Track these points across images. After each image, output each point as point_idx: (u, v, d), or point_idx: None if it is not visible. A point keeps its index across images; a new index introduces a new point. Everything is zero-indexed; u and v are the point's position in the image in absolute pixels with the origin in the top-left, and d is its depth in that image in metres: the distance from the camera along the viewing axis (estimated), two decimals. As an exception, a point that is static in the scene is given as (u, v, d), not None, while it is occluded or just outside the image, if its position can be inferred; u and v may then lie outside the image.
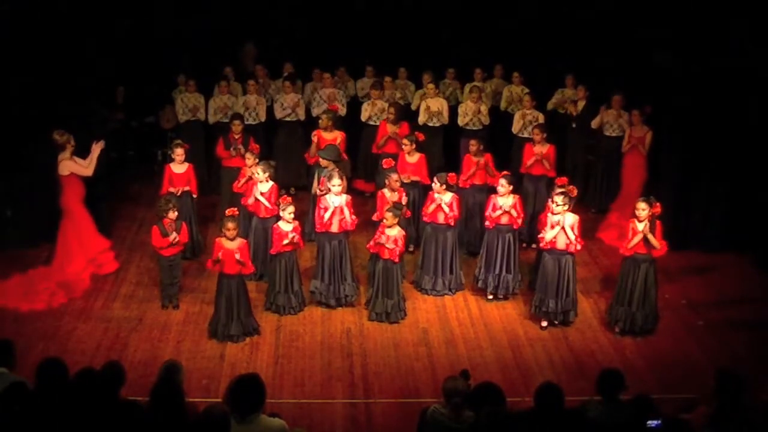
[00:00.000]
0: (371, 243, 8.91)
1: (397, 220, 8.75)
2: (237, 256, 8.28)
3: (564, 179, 9.17)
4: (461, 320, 9.10)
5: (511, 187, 9.16)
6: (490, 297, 9.41)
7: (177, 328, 8.73)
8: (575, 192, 8.92)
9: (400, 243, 8.79)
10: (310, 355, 8.36)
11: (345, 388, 7.84)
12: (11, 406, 4.96)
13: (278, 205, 8.95)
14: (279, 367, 8.13)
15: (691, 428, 5.28)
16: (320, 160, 9.79)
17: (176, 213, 8.87)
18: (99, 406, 5.12)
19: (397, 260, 8.82)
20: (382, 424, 7.33)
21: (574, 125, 11.94)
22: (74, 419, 5.04)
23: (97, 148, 9.37)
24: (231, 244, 8.34)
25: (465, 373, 5.91)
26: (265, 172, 9.30)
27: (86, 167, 9.35)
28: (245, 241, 8.61)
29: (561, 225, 8.58)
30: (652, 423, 5.41)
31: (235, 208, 8.69)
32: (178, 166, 9.88)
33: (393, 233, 8.77)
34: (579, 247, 8.69)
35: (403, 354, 8.42)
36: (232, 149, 10.47)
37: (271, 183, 9.40)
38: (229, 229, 8.30)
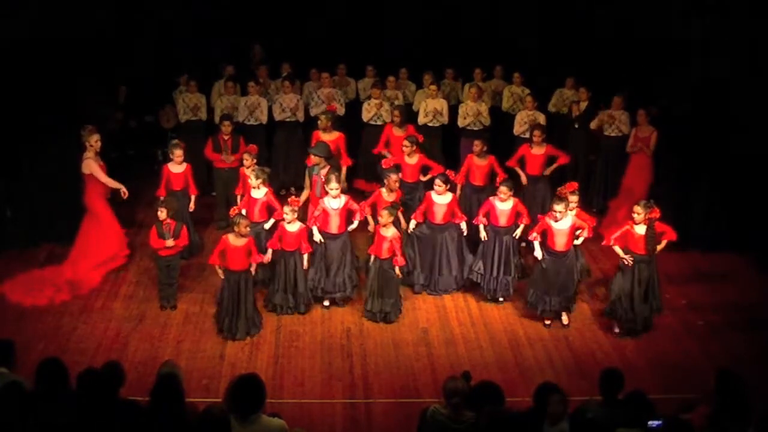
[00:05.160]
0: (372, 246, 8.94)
1: (392, 219, 8.76)
2: (247, 250, 8.40)
3: (575, 185, 9.17)
4: (461, 320, 9.10)
5: (511, 192, 9.17)
6: (489, 297, 9.41)
7: (177, 328, 8.73)
8: (571, 187, 8.90)
9: (396, 244, 8.79)
10: (310, 355, 8.36)
11: (345, 388, 7.84)
12: (8, 406, 4.96)
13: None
14: (279, 367, 8.13)
15: (691, 428, 5.28)
16: (311, 156, 9.75)
17: (164, 213, 8.82)
18: (99, 406, 5.11)
19: (391, 258, 8.80)
20: (382, 424, 7.34)
21: (576, 125, 11.94)
22: (74, 419, 5.04)
23: (121, 189, 9.48)
24: (239, 242, 8.35)
25: (466, 375, 5.91)
26: (258, 178, 9.27)
27: (104, 177, 9.40)
28: (251, 238, 8.62)
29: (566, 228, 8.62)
30: (652, 423, 5.41)
31: (236, 207, 8.73)
32: (176, 166, 9.88)
33: (389, 233, 8.76)
34: (587, 233, 8.85)
35: (403, 354, 8.42)
36: (226, 153, 10.48)
37: (265, 189, 9.37)
38: (244, 226, 8.32)
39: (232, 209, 8.73)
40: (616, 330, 8.80)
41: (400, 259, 8.83)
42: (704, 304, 9.49)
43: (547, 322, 8.93)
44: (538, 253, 8.78)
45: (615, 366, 6.77)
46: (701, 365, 8.11)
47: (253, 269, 8.57)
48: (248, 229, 8.39)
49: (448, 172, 9.48)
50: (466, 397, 5.44)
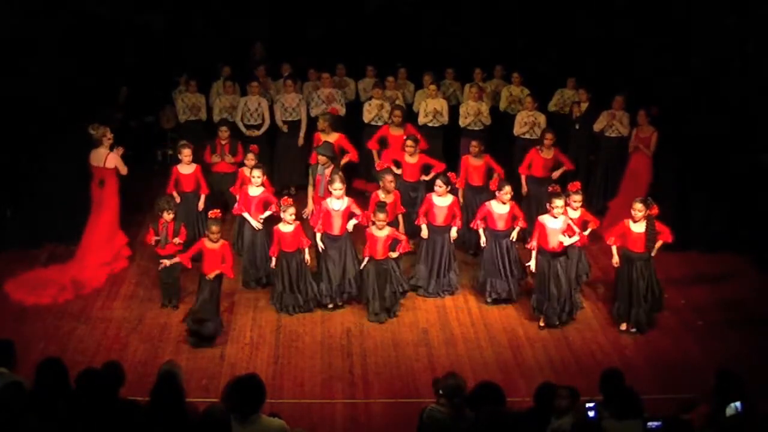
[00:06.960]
0: (365, 249, 8.89)
1: (387, 220, 8.73)
2: (221, 256, 8.35)
3: (578, 184, 9.20)
4: (461, 320, 9.10)
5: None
6: (490, 300, 9.36)
7: (177, 328, 8.72)
8: (575, 187, 8.94)
9: (395, 234, 8.77)
10: (310, 355, 8.36)
11: (345, 388, 7.85)
12: (8, 406, 4.96)
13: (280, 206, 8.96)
14: (279, 367, 8.13)
15: (691, 428, 5.29)
16: (317, 156, 9.76)
17: (172, 215, 8.84)
18: (99, 406, 5.12)
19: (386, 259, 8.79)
20: (382, 424, 7.34)
21: (577, 126, 11.94)
22: (74, 419, 5.04)
23: (118, 152, 9.48)
24: (214, 246, 8.37)
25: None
26: (263, 175, 9.28)
27: (125, 169, 9.50)
28: (227, 243, 8.61)
29: (560, 228, 8.61)
30: (652, 424, 5.41)
31: (218, 210, 8.70)
32: (186, 167, 9.87)
33: (383, 233, 8.74)
34: (578, 237, 8.80)
35: (403, 354, 8.43)
36: (227, 155, 10.49)
37: (262, 187, 9.36)
38: (213, 232, 8.33)
39: (211, 212, 8.68)
40: (623, 328, 8.79)
41: (404, 245, 8.80)
42: (704, 304, 9.48)
43: (542, 324, 8.90)
44: (534, 264, 8.78)
45: (615, 366, 6.78)
46: (701, 365, 8.11)
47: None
48: (218, 234, 8.35)
49: (450, 174, 9.47)
50: (467, 397, 5.44)
